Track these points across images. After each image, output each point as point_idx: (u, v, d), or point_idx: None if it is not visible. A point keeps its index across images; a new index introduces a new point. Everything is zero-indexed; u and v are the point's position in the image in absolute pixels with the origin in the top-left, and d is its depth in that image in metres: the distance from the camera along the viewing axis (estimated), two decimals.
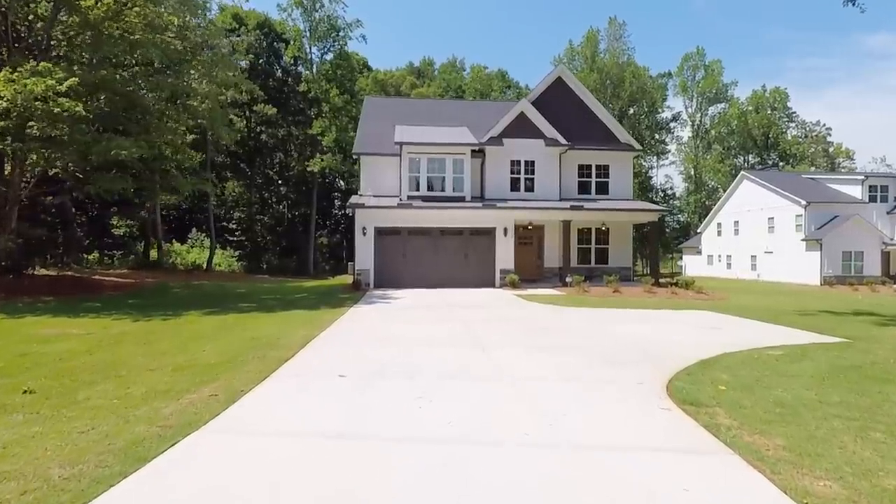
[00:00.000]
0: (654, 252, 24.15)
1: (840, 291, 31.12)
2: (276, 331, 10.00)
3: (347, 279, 25.69)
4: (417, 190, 22.00)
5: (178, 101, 19.52)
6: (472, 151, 22.62)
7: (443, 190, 22.16)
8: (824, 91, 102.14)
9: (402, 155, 21.98)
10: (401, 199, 21.73)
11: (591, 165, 24.38)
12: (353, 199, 22.04)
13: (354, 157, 25.48)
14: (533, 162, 23.35)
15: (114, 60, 19.66)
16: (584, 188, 24.35)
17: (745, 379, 6.58)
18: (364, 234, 20.73)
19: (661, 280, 22.77)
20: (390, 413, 4.90)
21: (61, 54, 18.81)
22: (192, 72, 22.11)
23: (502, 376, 6.44)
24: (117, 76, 16.40)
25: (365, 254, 20.77)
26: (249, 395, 5.46)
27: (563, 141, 22.99)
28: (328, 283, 27.66)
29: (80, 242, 38.34)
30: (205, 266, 35.71)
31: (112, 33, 16.76)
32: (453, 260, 21.39)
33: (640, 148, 25.96)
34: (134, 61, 20.50)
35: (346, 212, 21.44)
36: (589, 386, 6.10)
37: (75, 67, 15.54)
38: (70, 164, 15.84)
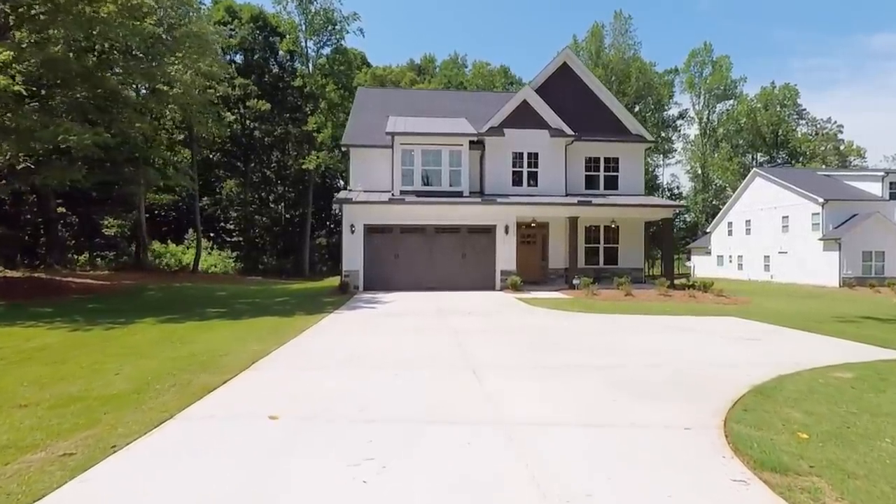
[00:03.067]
0: (669, 252, 22.29)
1: (861, 293, 29.29)
2: (225, 345, 8.28)
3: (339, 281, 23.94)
4: (411, 184, 20.26)
5: (149, 87, 17.77)
6: (471, 143, 20.87)
7: (439, 184, 20.41)
8: (829, 91, 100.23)
9: (394, 146, 20.25)
10: (393, 194, 20.01)
11: (599, 158, 22.54)
12: (342, 195, 20.32)
13: (343, 149, 23.73)
14: (536, 154, 21.56)
15: (83, 44, 18.07)
16: (591, 183, 22.53)
17: (828, 419, 4.82)
18: (352, 231, 18.99)
19: (676, 282, 20.94)
20: (314, 495, 3.15)
21: (33, 40, 17.19)
22: (168, 58, 20.43)
23: (496, 419, 4.68)
24: (71, 55, 14.69)
25: (353, 253, 19.03)
26: (120, 454, 3.72)
27: (568, 131, 21.21)
28: (318, 286, 25.94)
29: (63, 242, 36.79)
30: (192, 267, 33.98)
31: (72, 11, 15.03)
32: (450, 260, 19.62)
33: (652, 139, 24.14)
34: (107, 45, 18.88)
35: (336, 209, 19.65)
36: (617, 436, 4.33)
37: (24, 45, 13.88)
38: (20, 154, 14.14)
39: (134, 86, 18.63)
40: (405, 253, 19.47)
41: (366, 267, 19.06)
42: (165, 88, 18.12)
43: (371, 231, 19.25)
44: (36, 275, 21.73)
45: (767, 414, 5.00)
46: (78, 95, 18.09)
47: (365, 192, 20.84)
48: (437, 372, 6.50)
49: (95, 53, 18.84)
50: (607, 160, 22.58)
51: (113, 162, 18.16)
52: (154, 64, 18.97)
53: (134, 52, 20.31)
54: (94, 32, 15.37)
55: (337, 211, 19.76)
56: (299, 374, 6.31)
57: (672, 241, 22.99)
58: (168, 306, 14.98)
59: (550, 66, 22.48)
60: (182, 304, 15.79)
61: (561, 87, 22.29)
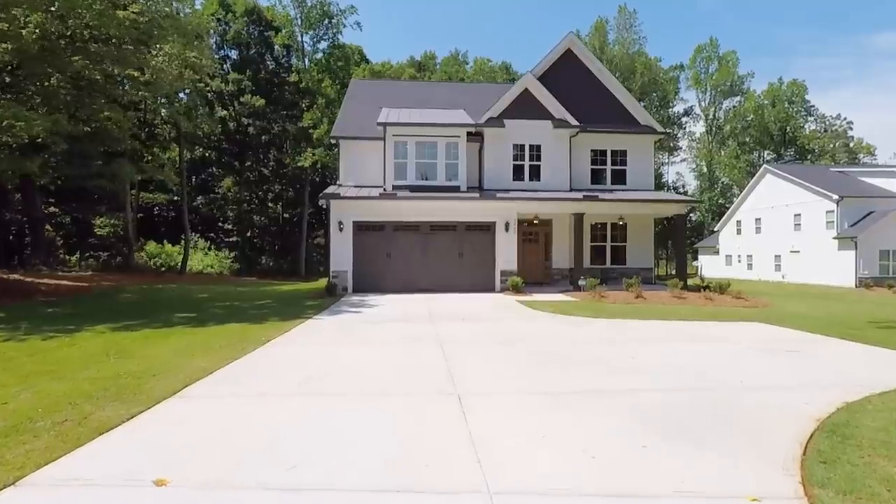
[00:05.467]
0: (682, 251, 20.79)
1: (881, 295, 27.83)
2: (167, 360, 6.93)
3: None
4: (405, 178, 18.88)
5: (118, 73, 16.43)
6: (469, 134, 19.48)
7: (434, 179, 19.02)
8: (834, 91, 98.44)
9: (386, 138, 18.88)
10: (385, 189, 18.64)
11: (605, 151, 21.10)
12: (329, 189, 18.98)
13: (333, 142, 22.38)
14: (539, 146, 20.15)
15: (53, 28, 16.80)
16: (597, 177, 21.10)
17: None
18: (340, 229, 17.64)
19: (689, 282, 19.53)
20: None
21: None
22: (149, 45, 19.15)
23: (483, 484, 3.30)
24: (24, 32, 13.38)
25: (341, 253, 17.67)
26: None
27: (573, 122, 19.80)
28: (309, 287, 24.57)
29: (50, 242, 35.57)
30: (179, 268, 32.71)
31: None
32: (446, 260, 18.25)
33: (663, 130, 22.68)
34: (86, 32, 17.62)
35: (323, 204, 18.36)
36: None
37: None
38: None
39: (113, 72, 17.22)
40: (398, 252, 18.12)
41: (355, 267, 17.71)
42: (136, 74, 16.80)
43: (361, 229, 17.90)
44: (6, 276, 20.41)
45: (857, 469, 3.62)
46: (47, 83, 16.89)
47: (355, 186, 19.49)
48: (412, 401, 5.13)
49: (66, 37, 17.55)
50: (614, 153, 21.14)
51: (86, 155, 16.82)
52: (130, 48, 17.64)
53: (112, 40, 19.09)
54: (53, 9, 14.05)
55: (323, 206, 18.40)
56: (233, 406, 4.93)
57: (685, 239, 21.56)
58: (135, 311, 13.65)
59: (553, 52, 21.05)
60: (153, 307, 14.46)
61: (565, 74, 20.87)
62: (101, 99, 17.57)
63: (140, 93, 18.42)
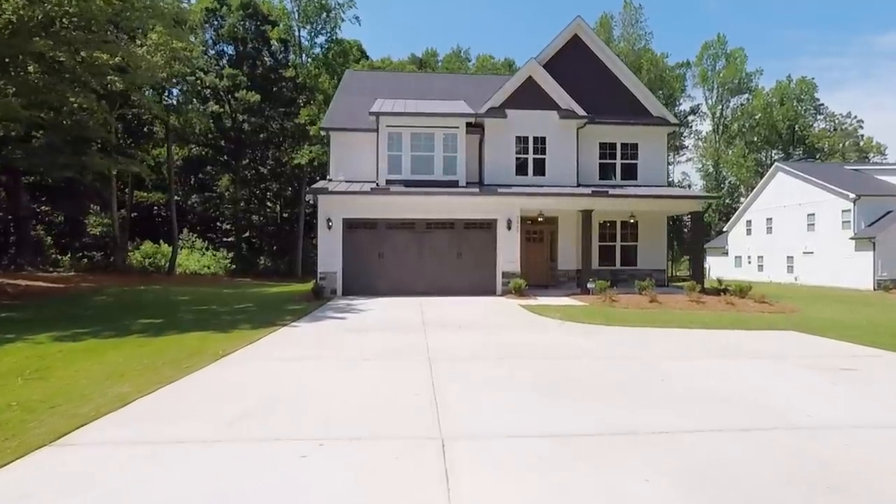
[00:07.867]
0: (699, 251, 19.34)
1: None
2: (86, 383, 5.59)
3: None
4: (399, 172, 17.52)
5: (87, 57, 15.13)
6: (469, 126, 18.15)
7: (431, 173, 17.65)
8: (840, 91, 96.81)
9: (379, 129, 17.54)
10: (377, 184, 17.30)
11: (615, 143, 19.67)
12: (318, 184, 17.66)
13: (323, 133, 21.07)
14: (544, 138, 18.77)
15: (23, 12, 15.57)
16: (606, 172, 19.68)
17: None
18: (329, 227, 16.29)
19: (706, 285, 18.13)
20: None
21: None
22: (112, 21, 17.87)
23: None
24: None
25: (330, 253, 16.33)
26: None
27: (580, 112, 18.42)
28: (298, 289, 23.21)
29: (37, 241, 34.40)
30: (167, 268, 31.46)
31: None
32: (443, 260, 16.88)
33: (676, 122, 21.26)
34: (65, 20, 16.42)
35: (310, 199, 17.04)
36: None
37: None
38: None
39: (83, 56, 15.95)
40: (391, 252, 16.76)
41: (345, 268, 16.36)
42: (106, 57, 15.51)
43: (351, 226, 16.54)
44: None
45: None
46: (22, 71, 15.69)
47: (346, 181, 18.16)
48: (379, 450, 3.77)
49: (42, 24, 16.32)
50: (625, 146, 19.72)
51: (53, 146, 15.54)
52: (110, 32, 16.36)
53: (93, 26, 17.86)
54: None
55: (311, 201, 17.08)
56: (122, 461, 3.56)
57: (701, 238, 20.15)
58: (99, 315, 12.36)
59: (559, 38, 19.65)
60: (120, 312, 13.15)
61: (572, 62, 19.49)
62: (74, 85, 16.32)
63: (109, 77, 17.07)
